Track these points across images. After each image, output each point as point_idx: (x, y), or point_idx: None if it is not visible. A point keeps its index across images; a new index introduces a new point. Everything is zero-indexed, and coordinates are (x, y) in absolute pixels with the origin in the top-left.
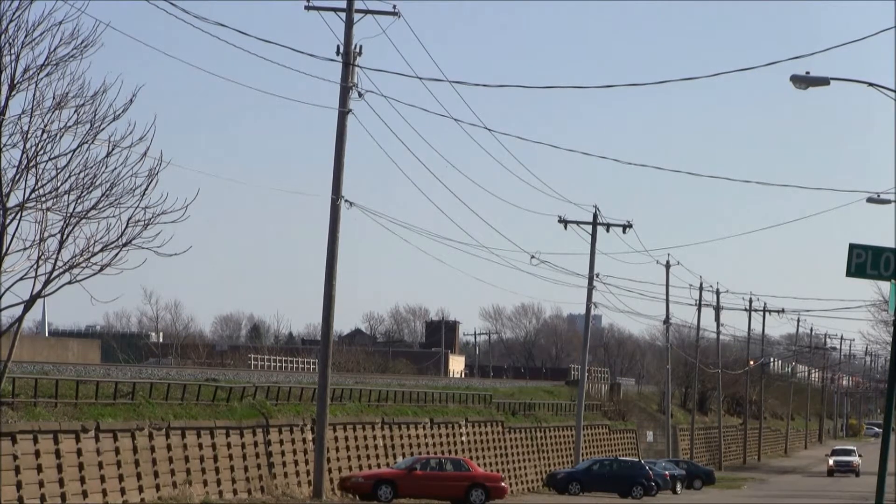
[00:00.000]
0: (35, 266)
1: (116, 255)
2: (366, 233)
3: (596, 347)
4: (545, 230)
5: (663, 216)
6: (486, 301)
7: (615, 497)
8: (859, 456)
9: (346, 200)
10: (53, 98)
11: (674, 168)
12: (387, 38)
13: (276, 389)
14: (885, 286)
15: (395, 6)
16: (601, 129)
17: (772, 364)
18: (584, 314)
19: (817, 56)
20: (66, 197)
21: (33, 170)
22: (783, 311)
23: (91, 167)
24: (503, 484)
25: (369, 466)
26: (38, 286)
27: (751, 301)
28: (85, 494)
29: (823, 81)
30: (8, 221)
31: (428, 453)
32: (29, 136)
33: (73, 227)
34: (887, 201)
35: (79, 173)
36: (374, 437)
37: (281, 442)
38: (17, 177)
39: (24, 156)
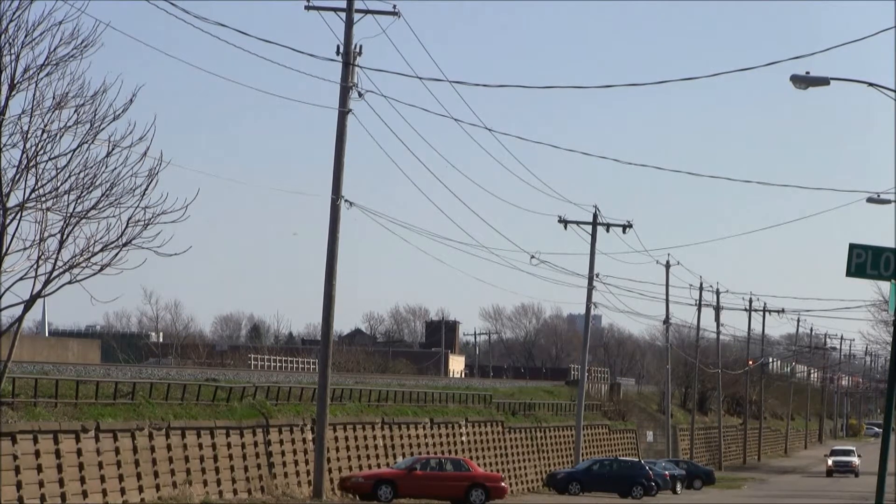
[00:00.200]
0: (35, 266)
1: (116, 255)
2: (366, 233)
3: (596, 347)
4: (545, 230)
5: (663, 216)
6: (486, 301)
7: (615, 497)
8: (858, 456)
9: (346, 200)
10: (53, 98)
11: (674, 168)
12: (387, 38)
13: (276, 389)
14: (885, 286)
15: (395, 6)
16: (601, 129)
17: (771, 364)
18: (584, 314)
19: (817, 56)
20: (66, 197)
21: (33, 170)
22: (783, 311)
23: (91, 167)
24: (503, 484)
25: (369, 466)
26: (38, 286)
27: (751, 301)
28: (85, 494)
29: (823, 81)
30: (8, 221)
31: (428, 453)
32: (29, 136)
33: (73, 227)
34: (887, 201)
35: (79, 173)
36: (374, 437)
37: (281, 442)
38: (17, 177)
39: (24, 156)
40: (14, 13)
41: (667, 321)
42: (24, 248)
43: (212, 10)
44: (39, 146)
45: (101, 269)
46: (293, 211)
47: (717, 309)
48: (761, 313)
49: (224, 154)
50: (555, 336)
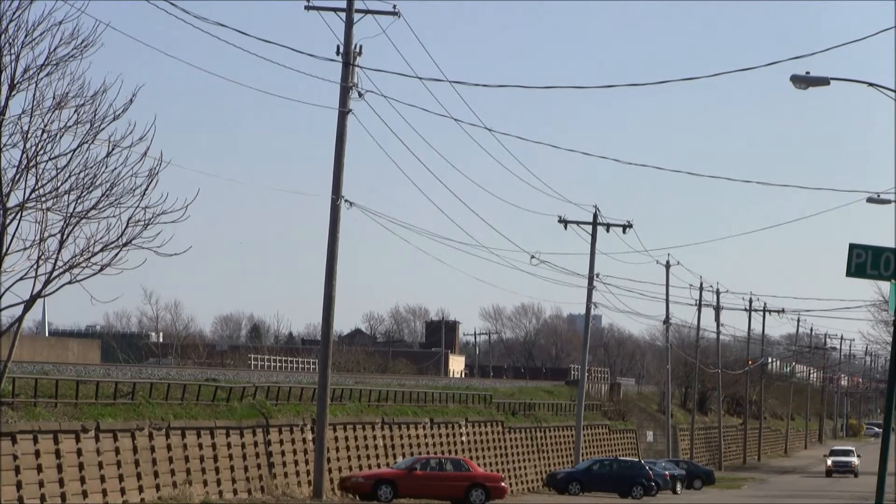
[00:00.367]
0: (35, 266)
1: (116, 255)
2: (366, 233)
3: (596, 347)
4: (545, 230)
5: (663, 216)
6: (486, 301)
7: (615, 497)
8: (858, 456)
9: (346, 200)
10: (53, 98)
11: (674, 168)
12: (387, 38)
13: (276, 389)
14: (885, 286)
15: (395, 6)
16: (601, 129)
17: (771, 364)
18: (584, 314)
19: (817, 56)
20: (66, 197)
21: (33, 170)
22: (783, 311)
23: (91, 167)
24: (503, 484)
25: (369, 466)
26: (38, 286)
27: (751, 301)
28: (85, 494)
29: (823, 81)
30: (8, 221)
31: (428, 453)
32: (29, 136)
33: (73, 227)
34: (887, 201)
35: (79, 173)
36: (374, 437)
37: (281, 442)
38: (17, 177)
39: (24, 156)
40: (14, 13)
41: (667, 321)
42: (24, 248)
43: (212, 10)
44: (39, 146)
45: (101, 269)
46: (293, 211)
47: (717, 309)
48: (761, 313)
49: (224, 154)
50: (555, 336)
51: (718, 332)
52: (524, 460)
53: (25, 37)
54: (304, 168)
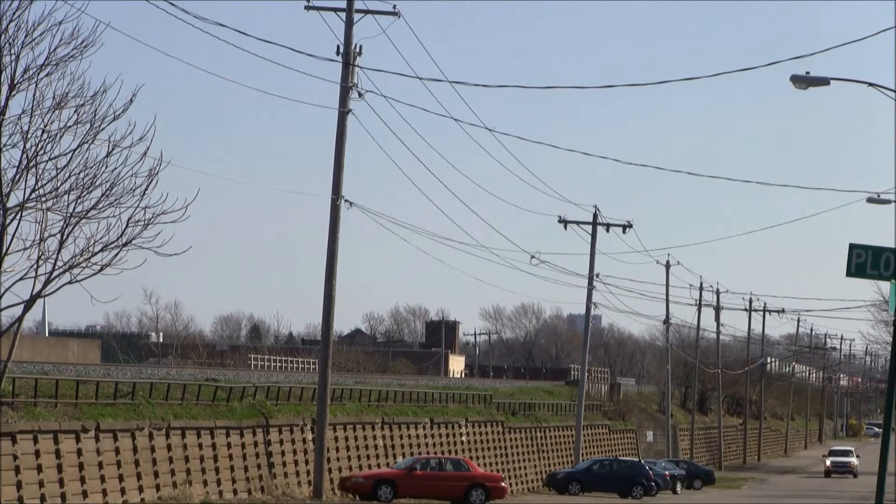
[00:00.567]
0: (35, 266)
1: (116, 255)
2: (366, 233)
3: (596, 347)
4: (545, 230)
5: (663, 216)
6: (486, 301)
7: (615, 497)
8: (857, 457)
9: (346, 200)
10: (53, 98)
11: (674, 168)
12: (387, 38)
13: (276, 389)
14: (885, 286)
15: (395, 6)
16: (601, 129)
17: (770, 364)
18: (584, 314)
19: (817, 56)
20: (66, 197)
21: (33, 170)
22: (783, 311)
23: (91, 167)
24: (503, 484)
25: (369, 466)
26: (38, 286)
27: (751, 301)
28: (85, 494)
29: (823, 81)
30: (8, 221)
31: (428, 453)
32: (29, 136)
33: (73, 227)
34: (887, 201)
35: (79, 173)
36: (374, 437)
37: (281, 442)
38: (17, 177)
39: (24, 156)
40: (14, 13)
41: (667, 321)
42: (24, 248)
43: (211, 10)
44: (39, 146)
45: (101, 269)
46: (293, 211)
47: (717, 309)
48: (761, 313)
49: (224, 154)
50: (555, 336)
51: (718, 332)
52: (524, 460)
53: (25, 37)
54: (304, 168)
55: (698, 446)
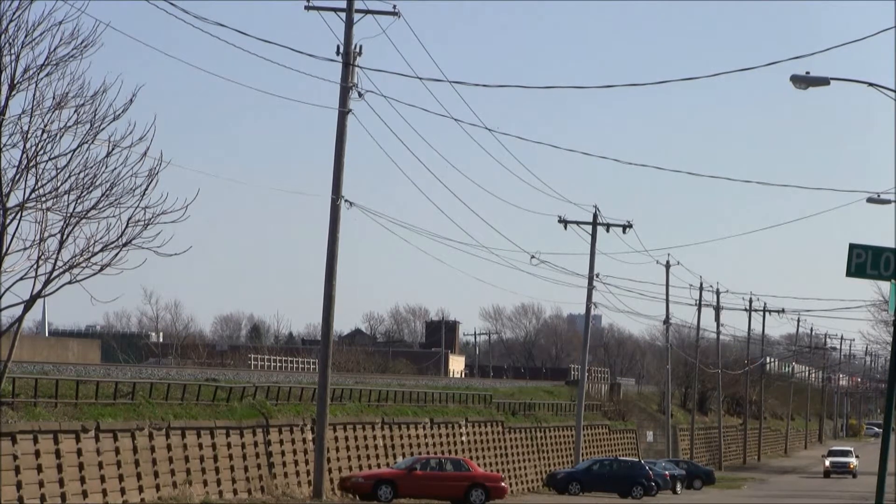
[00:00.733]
0: (35, 266)
1: (116, 255)
2: (366, 233)
3: (596, 347)
4: (545, 230)
5: (663, 216)
6: (486, 301)
7: (615, 497)
8: (856, 457)
9: (346, 200)
10: (53, 98)
11: (674, 168)
12: (387, 38)
13: (276, 389)
14: (885, 286)
15: (395, 6)
16: (601, 129)
17: (769, 364)
18: (584, 314)
19: (817, 56)
20: (66, 197)
21: (33, 170)
22: (783, 311)
23: (91, 167)
24: (503, 484)
25: (369, 466)
26: (38, 286)
27: (751, 301)
28: (85, 494)
29: (823, 81)
30: (8, 221)
31: (428, 453)
32: (29, 136)
33: (73, 227)
34: (887, 201)
35: (79, 173)
36: (374, 437)
37: (281, 442)
38: (17, 177)
39: (24, 156)
40: (14, 13)
41: (667, 321)
42: (24, 248)
43: (211, 10)
44: (39, 146)
45: (101, 269)
46: (293, 211)
47: (717, 309)
48: (761, 313)
49: (224, 154)
50: (555, 336)
51: (718, 332)
52: (524, 460)
53: (25, 37)
54: (304, 168)
55: (698, 446)
